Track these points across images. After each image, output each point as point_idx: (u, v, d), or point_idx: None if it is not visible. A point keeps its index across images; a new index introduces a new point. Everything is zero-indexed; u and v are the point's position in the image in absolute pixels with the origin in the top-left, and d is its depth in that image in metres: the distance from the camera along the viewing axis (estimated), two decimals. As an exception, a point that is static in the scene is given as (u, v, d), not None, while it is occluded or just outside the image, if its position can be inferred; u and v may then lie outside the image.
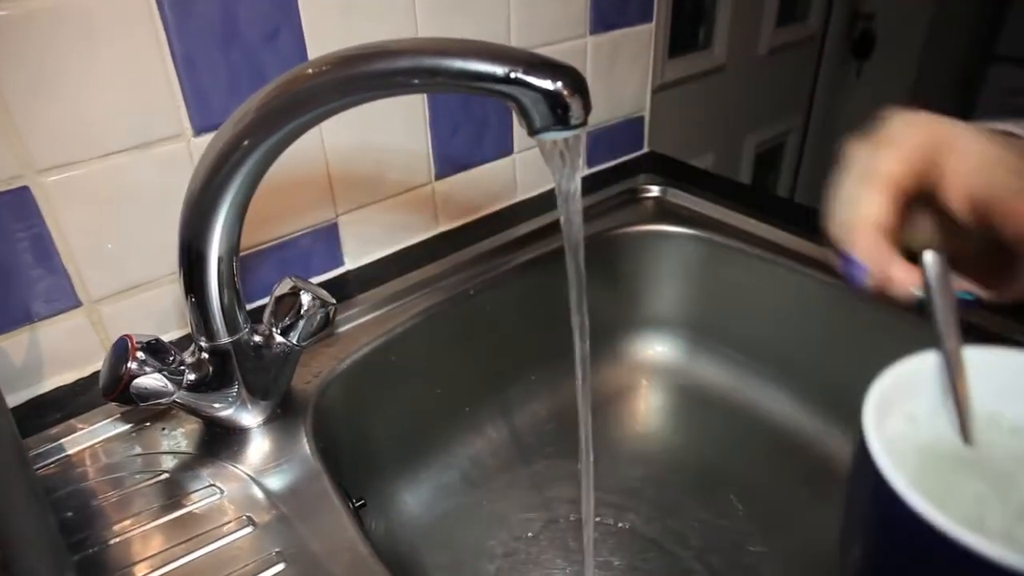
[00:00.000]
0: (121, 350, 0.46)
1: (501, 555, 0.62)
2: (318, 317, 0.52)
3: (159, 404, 0.46)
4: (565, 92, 0.34)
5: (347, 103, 0.39)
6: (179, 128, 0.54)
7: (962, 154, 0.31)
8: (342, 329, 0.61)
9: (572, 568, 0.61)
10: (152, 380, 0.45)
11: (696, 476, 0.69)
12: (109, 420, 0.51)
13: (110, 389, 0.45)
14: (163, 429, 0.51)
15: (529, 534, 0.64)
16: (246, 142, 0.40)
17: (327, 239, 0.67)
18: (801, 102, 1.74)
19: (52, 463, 0.49)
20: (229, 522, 0.44)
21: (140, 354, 0.45)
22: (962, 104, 2.06)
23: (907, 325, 0.60)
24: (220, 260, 0.45)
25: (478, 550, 0.62)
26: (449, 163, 0.72)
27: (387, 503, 0.63)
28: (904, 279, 0.32)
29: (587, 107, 0.35)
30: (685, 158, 0.91)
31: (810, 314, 0.69)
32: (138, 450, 0.50)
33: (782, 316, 0.71)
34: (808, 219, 0.74)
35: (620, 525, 0.65)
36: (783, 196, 1.54)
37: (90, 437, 0.50)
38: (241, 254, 0.62)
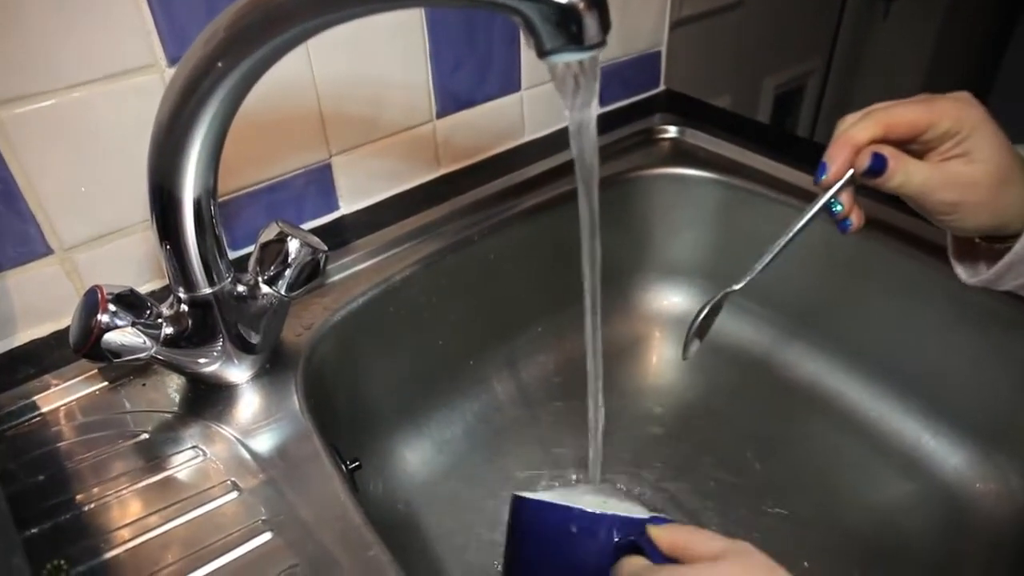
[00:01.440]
0: (91, 302, 0.42)
1: (498, 515, 0.60)
2: (308, 265, 0.48)
3: (136, 360, 0.43)
4: (580, 4, 0.29)
5: (331, 18, 0.34)
6: (151, 57, 0.49)
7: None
8: (336, 278, 0.57)
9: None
10: (126, 335, 0.42)
11: (712, 433, 0.66)
12: (85, 376, 0.48)
13: (80, 344, 0.41)
14: (143, 385, 0.48)
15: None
16: (219, 64, 0.35)
17: (320, 181, 0.62)
18: (824, 42, 1.65)
19: (25, 422, 0.45)
20: (213, 487, 0.41)
21: (112, 306, 0.42)
22: (991, 52, 1.96)
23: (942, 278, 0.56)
24: (197, 203, 0.41)
25: (480, 510, 0.60)
26: (451, 100, 0.67)
27: (385, 461, 0.60)
28: (834, 172, 0.40)
29: (605, 24, 0.30)
30: (699, 95, 0.85)
31: (835, 263, 0.64)
32: (117, 409, 0.46)
33: (804, 265, 0.66)
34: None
35: (632, 486, 0.62)
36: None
37: (65, 394, 0.47)
38: (227, 198, 0.57)
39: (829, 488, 0.61)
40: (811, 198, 0.64)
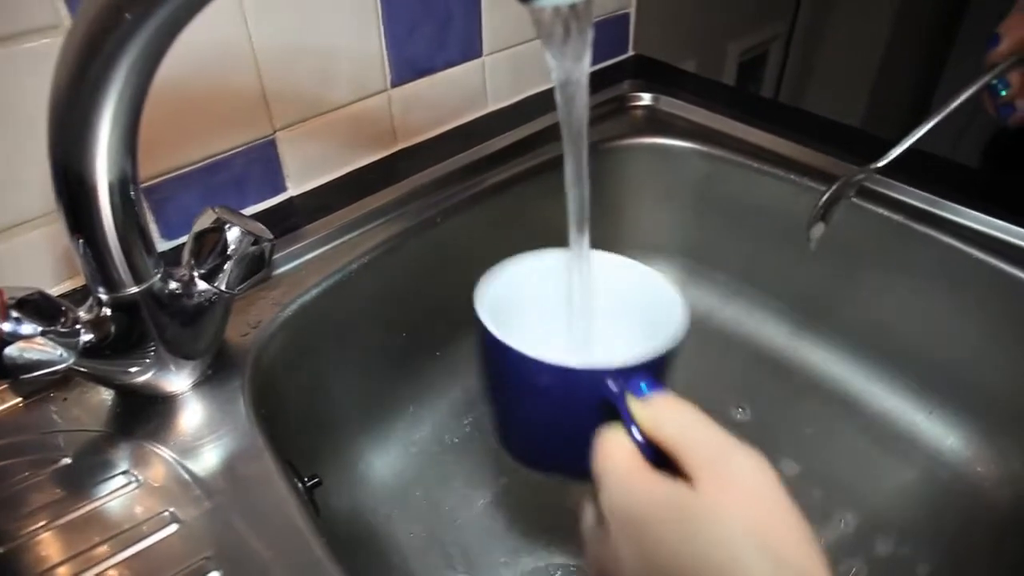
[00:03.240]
0: (-11, 308, 0.35)
1: (481, 520, 0.55)
2: (250, 257, 0.42)
3: (49, 375, 0.36)
4: (572, -68, 0.23)
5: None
6: (55, 17, 0.42)
7: None
8: (285, 268, 0.51)
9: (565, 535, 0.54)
10: (33, 346, 0.35)
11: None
12: (-7, 392, 0.41)
13: (-23, 359, 0.35)
14: (64, 400, 0.42)
15: (515, 495, 0.57)
16: (126, 16, 0.29)
17: (264, 160, 0.56)
18: (787, 8, 1.62)
19: (-80, 450, 0.39)
20: (148, 520, 0.35)
21: (15, 312, 0.35)
22: (951, 14, 1.95)
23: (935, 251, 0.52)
24: (112, 186, 0.35)
25: (456, 516, 0.55)
26: (407, 67, 0.61)
27: (350, 469, 0.55)
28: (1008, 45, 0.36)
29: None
30: (667, 60, 0.80)
31: (834, 243, 0.61)
32: (33, 429, 0.40)
33: (790, 239, 0.62)
34: (822, 129, 0.65)
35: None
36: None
37: (-31, 414, 0.40)
38: (156, 181, 0.51)
39: (816, 456, 0.58)
40: (801, 170, 0.61)
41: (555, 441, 0.35)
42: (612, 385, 0.30)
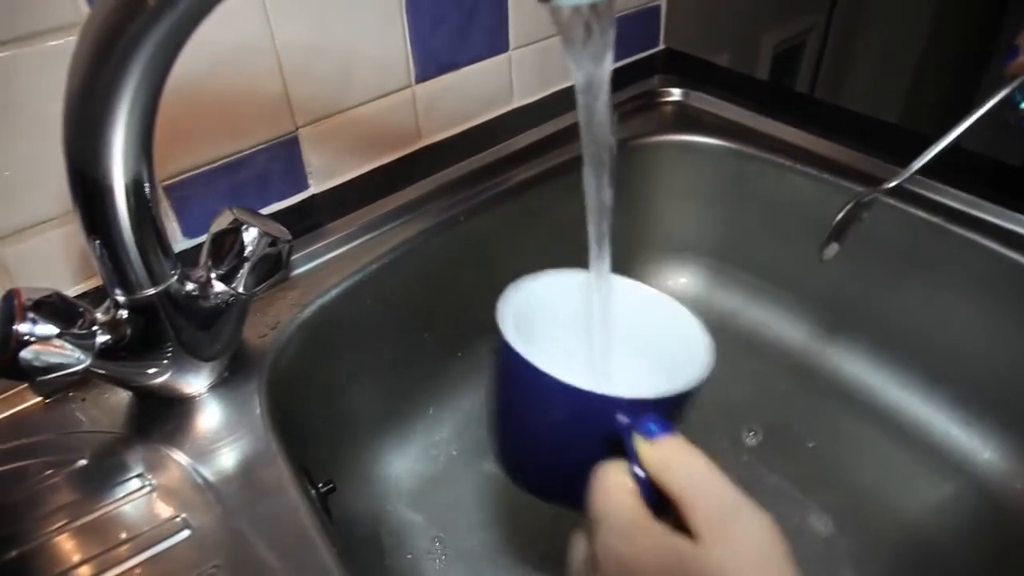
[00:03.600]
0: (7, 311, 0.35)
1: (504, 524, 0.54)
2: (268, 258, 0.41)
3: (66, 376, 0.36)
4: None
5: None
6: (76, 14, 0.41)
7: None
8: (305, 268, 0.51)
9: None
10: (50, 348, 0.35)
11: (727, 423, 0.60)
12: (14, 392, 0.41)
13: (-5, 360, 0.35)
14: (83, 400, 0.41)
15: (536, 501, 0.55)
16: (151, 3, 0.28)
17: (286, 157, 0.55)
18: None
19: (-60, 448, 0.39)
20: (160, 525, 0.35)
21: (32, 314, 0.35)
22: (993, 8, 1.89)
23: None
24: (129, 187, 0.34)
25: (475, 517, 0.54)
26: (432, 62, 0.60)
27: (368, 470, 0.54)
28: None
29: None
30: (699, 54, 0.78)
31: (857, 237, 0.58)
32: (51, 430, 0.40)
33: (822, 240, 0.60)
34: (860, 126, 0.63)
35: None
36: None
37: (-11, 414, 0.40)
38: (180, 178, 0.50)
39: (857, 486, 0.56)
40: (835, 169, 0.59)
41: (556, 466, 0.34)
42: (622, 417, 0.28)
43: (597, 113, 0.27)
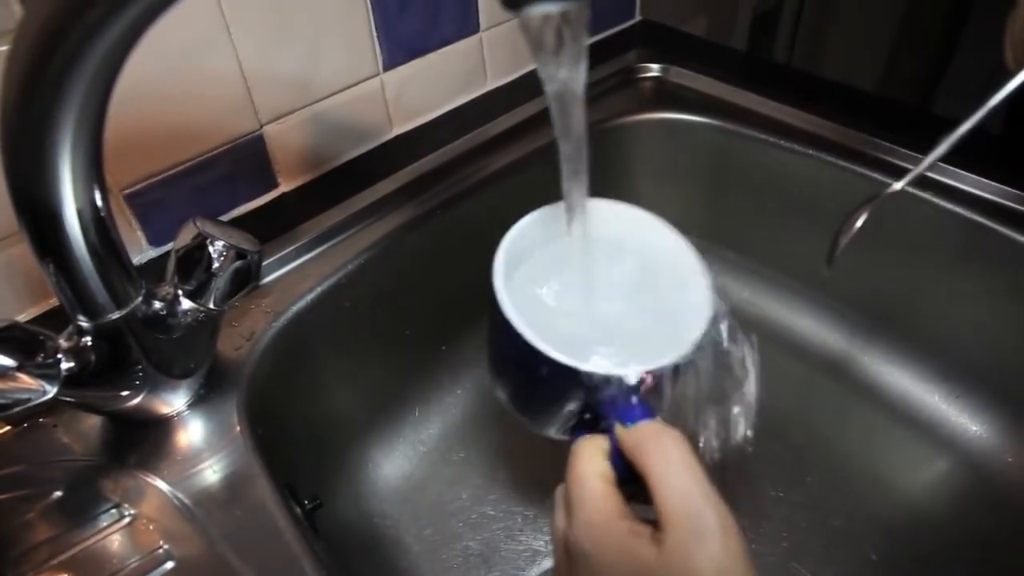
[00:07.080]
0: (-38, 344, 0.33)
1: (496, 518, 0.53)
2: (236, 271, 0.40)
3: (32, 409, 0.34)
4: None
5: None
6: (10, 18, 0.39)
7: None
8: (278, 273, 0.49)
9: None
10: (10, 383, 0.33)
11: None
12: (-21, 422, 0.40)
13: (-48, 398, 0.33)
14: (55, 427, 0.40)
15: (531, 490, 0.55)
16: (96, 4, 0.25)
17: (252, 157, 0.53)
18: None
19: (-94, 486, 0.37)
20: (143, 558, 0.34)
21: (-11, 348, 0.33)
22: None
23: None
24: (81, 212, 0.32)
25: (466, 517, 0.53)
26: (400, 47, 0.58)
27: (357, 475, 0.53)
28: None
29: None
30: (676, 24, 0.76)
31: (846, 212, 0.57)
32: (21, 460, 0.38)
33: (811, 217, 0.59)
34: (841, 98, 0.61)
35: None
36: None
37: (-45, 446, 0.39)
38: (140, 186, 0.48)
39: (847, 462, 0.56)
40: (816, 144, 0.57)
41: (543, 409, 0.34)
42: (606, 392, 0.29)
43: (574, 126, 0.25)
